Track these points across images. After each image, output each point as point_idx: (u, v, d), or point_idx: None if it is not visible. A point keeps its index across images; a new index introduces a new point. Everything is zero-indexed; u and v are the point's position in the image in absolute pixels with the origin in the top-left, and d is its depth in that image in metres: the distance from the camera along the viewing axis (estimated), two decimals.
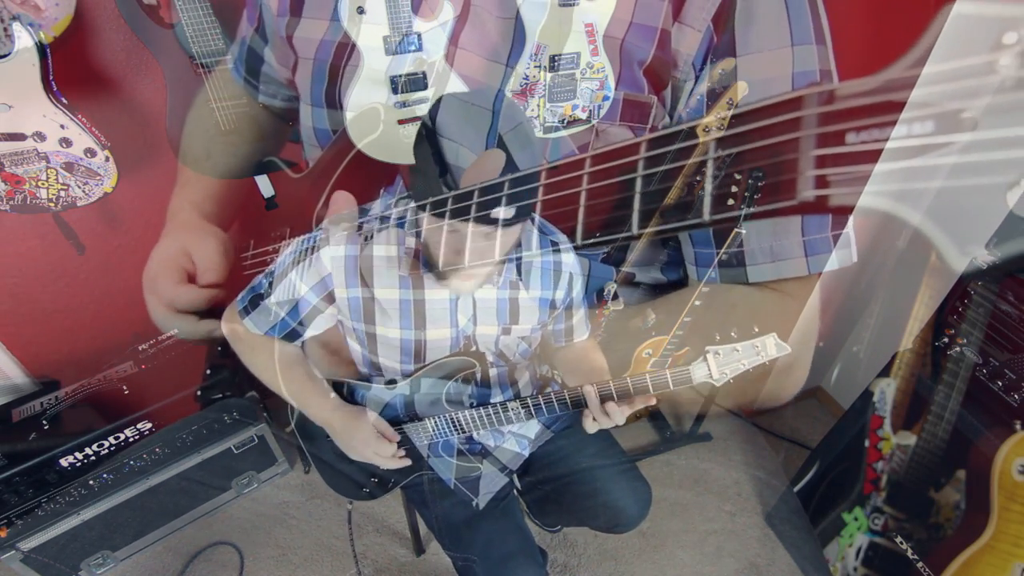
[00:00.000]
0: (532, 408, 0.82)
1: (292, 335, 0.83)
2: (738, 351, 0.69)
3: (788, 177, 0.31)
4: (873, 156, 0.28)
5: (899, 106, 0.27)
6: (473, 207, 0.56)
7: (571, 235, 0.48)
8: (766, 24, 0.68)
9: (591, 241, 0.47)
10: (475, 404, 0.89)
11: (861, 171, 0.28)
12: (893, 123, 0.27)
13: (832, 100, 0.30)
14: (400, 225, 0.74)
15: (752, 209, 0.33)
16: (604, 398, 0.77)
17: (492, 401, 0.92)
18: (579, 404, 0.79)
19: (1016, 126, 0.27)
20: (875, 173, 0.29)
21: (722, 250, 0.80)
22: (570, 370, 0.93)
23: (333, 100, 0.79)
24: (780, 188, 0.32)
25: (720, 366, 0.70)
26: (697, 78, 0.71)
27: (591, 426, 0.79)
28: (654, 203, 0.41)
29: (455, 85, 0.75)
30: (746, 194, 0.34)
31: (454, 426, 0.88)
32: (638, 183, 0.43)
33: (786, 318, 0.82)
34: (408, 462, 0.91)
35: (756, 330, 0.67)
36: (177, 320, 0.93)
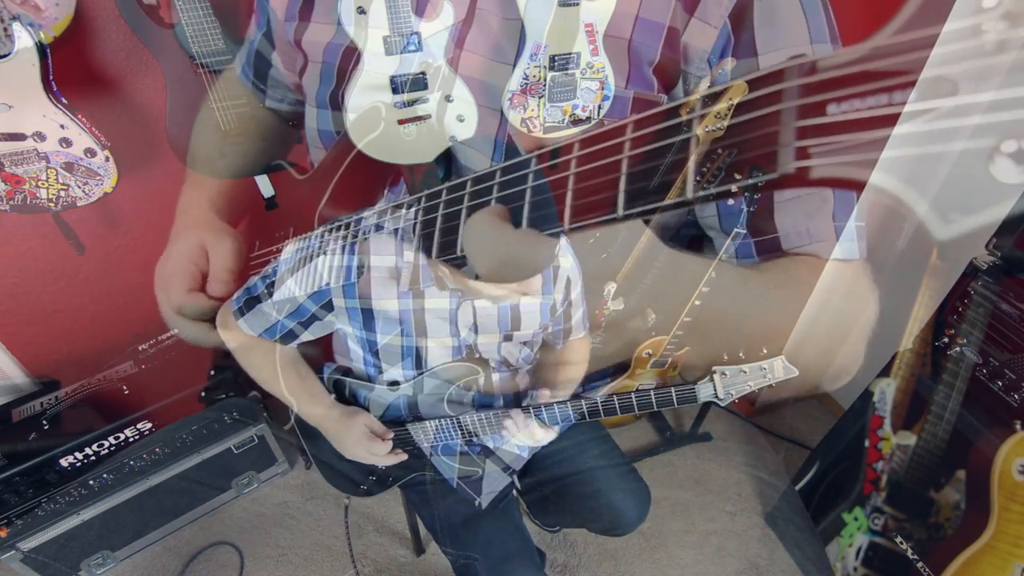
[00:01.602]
0: (535, 417, 0.83)
1: (288, 338, 0.83)
2: (745, 372, 0.69)
3: (772, 150, 0.31)
4: (867, 124, 0.28)
5: (886, 75, 0.27)
6: (466, 196, 0.55)
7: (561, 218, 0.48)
8: (785, 23, 0.68)
9: (579, 224, 0.46)
10: (477, 406, 0.89)
11: (855, 140, 0.29)
12: (879, 91, 0.27)
13: (815, 71, 0.30)
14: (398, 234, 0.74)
15: (749, 181, 0.33)
16: (607, 412, 0.77)
17: (495, 404, 0.92)
18: (582, 416, 0.79)
19: (996, 89, 0.28)
20: (863, 143, 0.29)
21: (722, 251, 0.79)
22: (543, 366, 0.93)
23: (337, 102, 0.79)
24: (770, 161, 0.32)
25: (726, 387, 0.70)
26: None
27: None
28: (646, 186, 0.40)
29: (459, 87, 0.75)
30: (748, 180, 0.34)
31: (456, 429, 0.88)
32: (626, 165, 0.43)
33: (794, 302, 0.80)
34: (404, 457, 0.91)
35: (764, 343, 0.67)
36: (189, 326, 0.93)
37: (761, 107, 0.32)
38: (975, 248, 1.04)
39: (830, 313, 0.76)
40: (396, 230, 0.71)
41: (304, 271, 0.76)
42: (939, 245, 1.08)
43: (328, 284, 0.75)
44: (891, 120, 0.28)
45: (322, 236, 0.77)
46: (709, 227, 0.86)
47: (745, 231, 0.77)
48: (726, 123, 0.36)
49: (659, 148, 0.40)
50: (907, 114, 0.28)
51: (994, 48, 0.27)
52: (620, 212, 0.41)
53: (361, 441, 0.86)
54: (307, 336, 0.84)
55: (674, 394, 0.72)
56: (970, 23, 0.27)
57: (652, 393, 0.73)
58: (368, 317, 0.78)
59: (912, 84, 0.28)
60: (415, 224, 0.65)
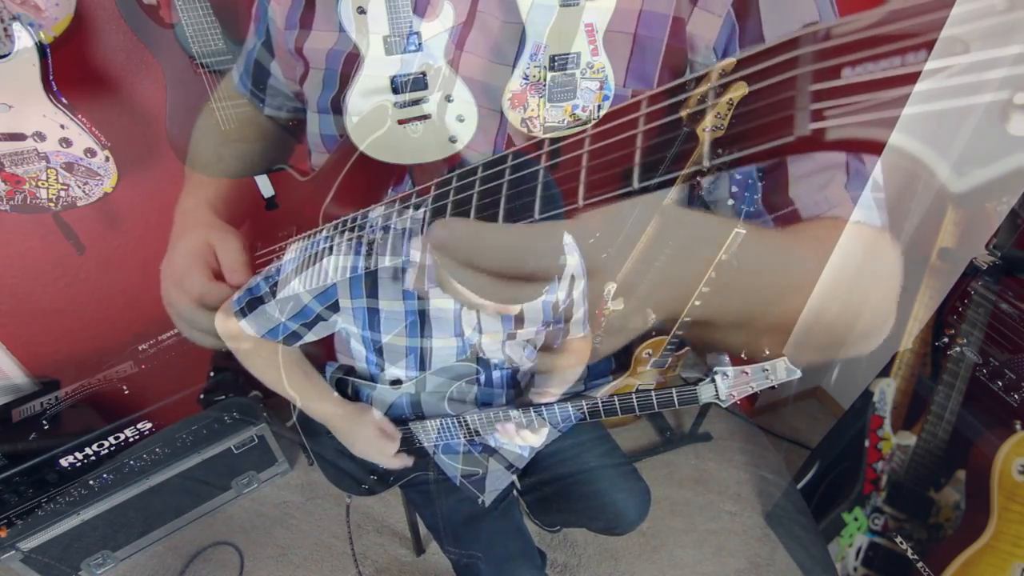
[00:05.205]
0: (535, 416, 0.83)
1: (291, 339, 0.83)
2: (747, 373, 0.69)
3: (786, 115, 0.31)
4: (878, 85, 0.28)
5: (900, 37, 0.28)
6: (475, 196, 0.55)
7: (571, 196, 0.47)
8: (793, 6, 0.67)
9: (591, 200, 0.46)
10: (480, 404, 0.89)
11: (866, 102, 0.29)
12: (894, 53, 0.28)
13: (829, 37, 0.30)
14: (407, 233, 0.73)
15: (755, 150, 0.33)
16: (608, 413, 0.77)
17: (497, 402, 0.92)
18: (583, 416, 0.79)
19: (1005, 47, 0.28)
20: (879, 103, 0.29)
21: (724, 249, 0.79)
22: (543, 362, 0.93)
23: (339, 106, 0.79)
24: (781, 125, 0.32)
25: (728, 388, 0.70)
26: None
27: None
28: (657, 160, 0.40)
29: (459, 88, 0.75)
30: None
31: (460, 428, 0.88)
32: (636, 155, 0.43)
33: (817, 262, 0.78)
34: (410, 462, 0.91)
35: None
36: (204, 317, 0.92)
37: (773, 76, 0.32)
38: (975, 248, 1.04)
39: (854, 272, 0.73)
40: (404, 230, 0.71)
41: (310, 271, 0.75)
42: (954, 199, 1.07)
43: (335, 284, 0.75)
44: (906, 80, 0.29)
45: (328, 235, 0.77)
46: (720, 206, 0.85)
47: (763, 208, 0.75)
48: (726, 121, 0.36)
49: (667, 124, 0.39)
50: (922, 73, 0.29)
51: (1004, 7, 0.27)
52: (636, 185, 0.41)
53: (372, 440, 0.86)
54: (311, 337, 0.84)
55: (675, 395, 0.72)
56: None
57: (653, 393, 0.73)
58: (373, 317, 0.78)
59: (929, 45, 0.28)
60: (425, 221, 0.64)
